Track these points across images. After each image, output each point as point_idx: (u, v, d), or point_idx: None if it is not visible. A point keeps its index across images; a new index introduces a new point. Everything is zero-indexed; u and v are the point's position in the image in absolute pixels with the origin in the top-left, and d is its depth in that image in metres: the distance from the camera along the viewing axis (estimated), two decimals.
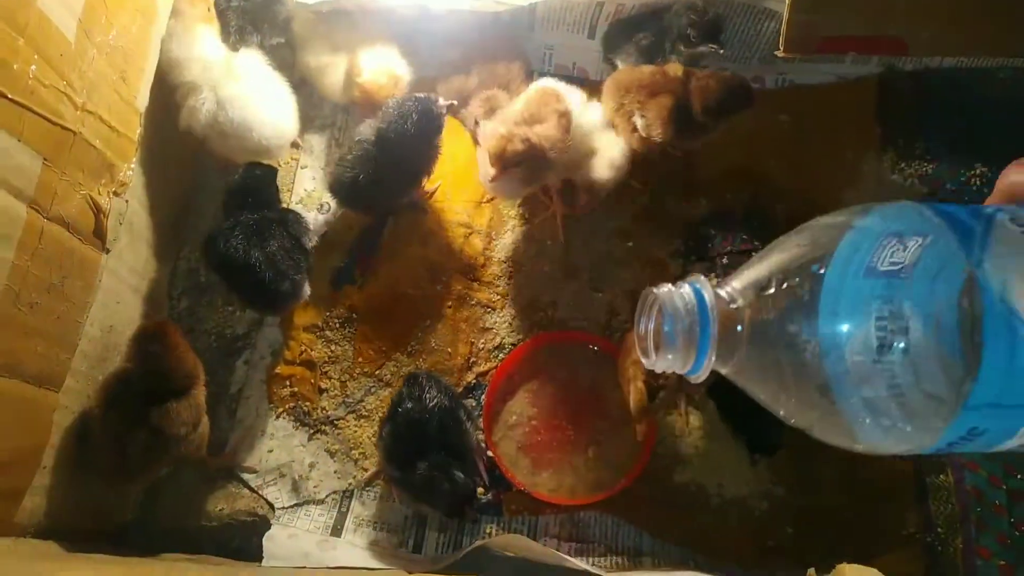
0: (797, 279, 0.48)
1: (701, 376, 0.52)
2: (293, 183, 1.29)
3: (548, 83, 1.14)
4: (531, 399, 1.13)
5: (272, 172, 1.15)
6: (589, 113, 1.15)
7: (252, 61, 1.16)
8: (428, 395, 0.98)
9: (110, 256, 1.04)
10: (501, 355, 1.16)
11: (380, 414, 1.11)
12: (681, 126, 1.06)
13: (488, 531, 1.07)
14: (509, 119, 1.07)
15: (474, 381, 1.15)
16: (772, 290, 0.49)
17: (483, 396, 1.12)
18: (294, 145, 1.29)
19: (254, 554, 1.05)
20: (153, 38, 1.06)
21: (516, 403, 1.13)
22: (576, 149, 1.11)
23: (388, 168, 1.11)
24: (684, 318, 0.50)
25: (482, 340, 1.17)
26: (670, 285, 0.52)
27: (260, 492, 1.10)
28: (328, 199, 1.24)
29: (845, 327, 0.46)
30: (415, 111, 1.08)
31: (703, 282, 0.51)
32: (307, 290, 1.11)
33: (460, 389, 1.14)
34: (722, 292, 0.51)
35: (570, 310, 1.18)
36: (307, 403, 1.15)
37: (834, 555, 1.01)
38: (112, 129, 0.99)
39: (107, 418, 0.96)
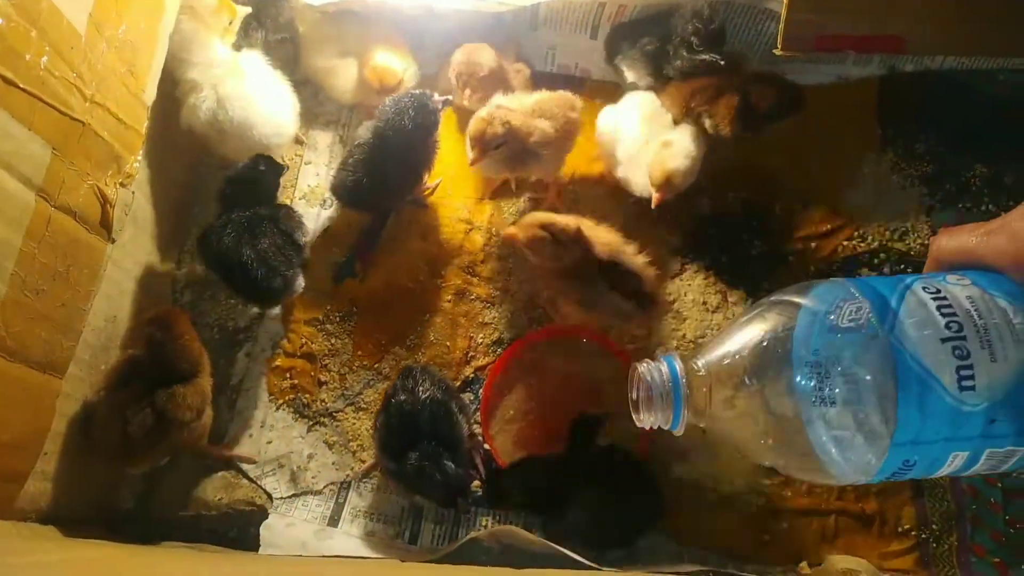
0: (747, 350, 0.62)
1: (679, 430, 0.66)
2: (297, 179, 1.31)
3: (612, 119, 1.19)
4: (528, 393, 1.14)
5: (277, 169, 1.17)
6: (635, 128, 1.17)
7: (254, 60, 1.18)
8: (421, 387, 1.00)
9: (115, 247, 1.05)
10: (499, 350, 1.17)
11: (378, 407, 1.12)
12: (746, 123, 1.09)
13: (483, 523, 1.07)
14: (516, 106, 1.10)
15: (472, 375, 1.16)
16: (728, 361, 0.63)
17: (481, 390, 1.13)
18: (298, 141, 1.31)
19: (251, 543, 1.06)
20: (161, 34, 1.09)
21: (513, 397, 1.14)
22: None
23: (388, 167, 1.13)
24: (661, 387, 0.65)
25: (481, 335, 1.18)
26: (649, 361, 0.66)
27: (259, 482, 1.11)
28: (330, 195, 1.26)
29: (788, 384, 0.59)
30: (411, 107, 1.10)
31: (676, 357, 0.66)
32: (300, 285, 1.13)
33: (458, 383, 1.15)
34: (692, 364, 0.65)
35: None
36: (306, 395, 1.16)
37: (829, 551, 1.02)
38: (120, 121, 1.01)
39: (112, 398, 0.98)
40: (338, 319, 1.20)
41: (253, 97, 1.15)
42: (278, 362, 1.19)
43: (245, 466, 1.12)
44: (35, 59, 0.84)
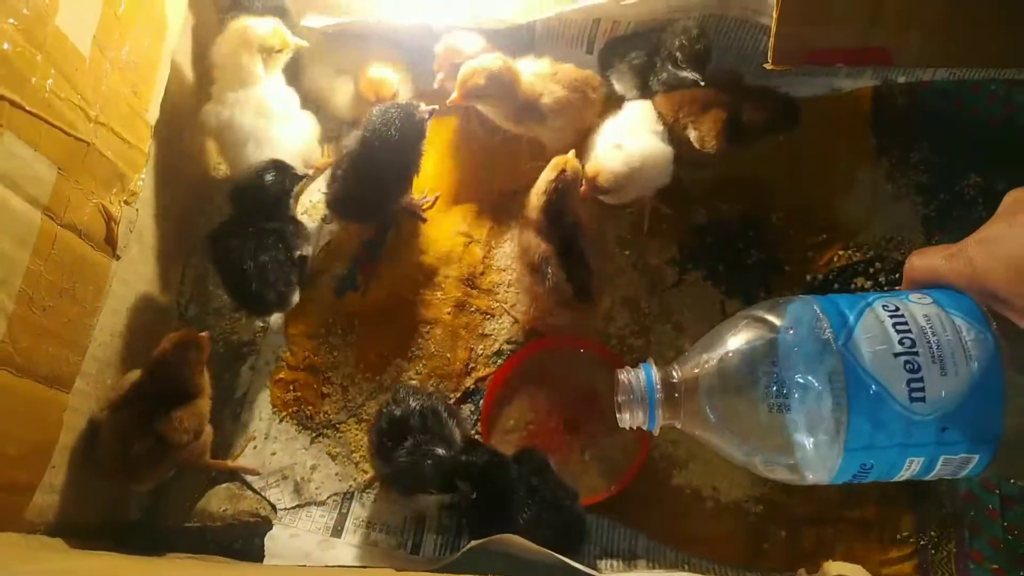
0: (715, 359, 0.70)
1: (655, 429, 0.74)
2: (300, 194, 1.32)
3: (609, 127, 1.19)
4: (528, 404, 1.15)
5: (292, 177, 1.17)
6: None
7: (283, 97, 1.22)
8: (412, 398, 1.01)
9: (120, 263, 1.07)
10: (499, 361, 1.18)
11: None
12: (732, 138, 1.10)
13: None
14: (536, 69, 1.18)
15: (472, 386, 1.17)
16: (698, 369, 0.71)
17: (481, 401, 1.15)
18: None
19: (256, 554, 1.07)
20: (164, 54, 1.11)
21: (513, 408, 1.15)
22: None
23: (375, 176, 1.14)
24: (638, 391, 0.73)
25: (481, 346, 1.20)
26: (630, 369, 0.75)
27: (263, 493, 1.12)
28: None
29: (750, 392, 0.66)
30: (398, 118, 1.12)
31: (652, 365, 0.74)
32: (294, 300, 1.16)
33: (459, 394, 1.16)
34: (669, 370, 0.73)
35: (567, 317, 1.20)
36: (310, 407, 1.18)
37: (827, 558, 1.03)
38: (124, 141, 1.03)
39: (114, 419, 1.00)
40: (340, 332, 1.22)
41: (262, 136, 1.19)
42: (281, 375, 1.20)
43: (249, 478, 1.13)
44: (41, 82, 0.86)
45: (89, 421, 1.02)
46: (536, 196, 1.08)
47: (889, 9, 0.96)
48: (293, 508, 1.12)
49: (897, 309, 0.63)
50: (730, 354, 0.69)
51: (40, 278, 0.90)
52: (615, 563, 1.06)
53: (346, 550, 1.08)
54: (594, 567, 1.02)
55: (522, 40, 1.32)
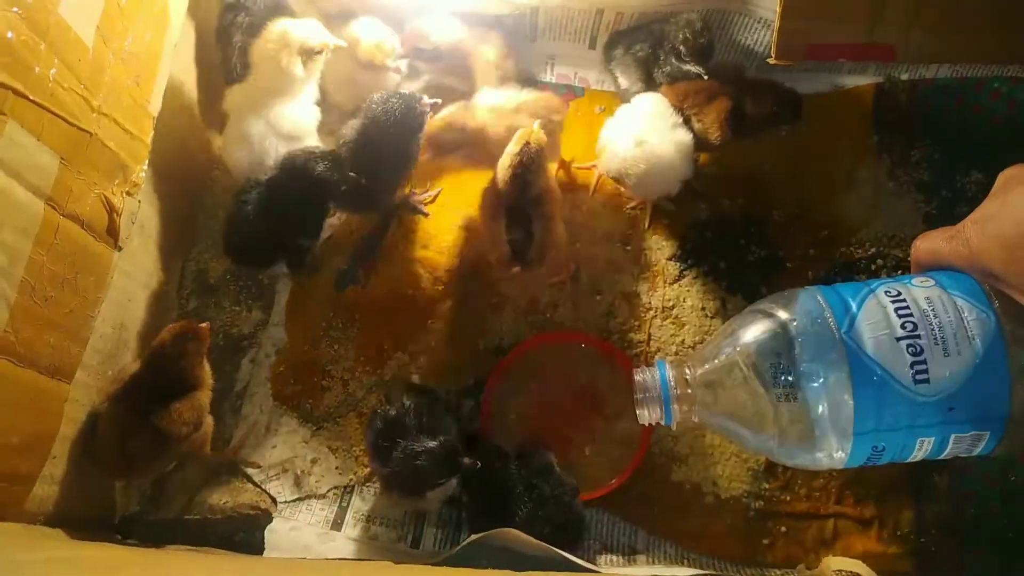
0: (724, 354, 0.74)
1: (673, 424, 0.78)
2: None
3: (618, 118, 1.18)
4: (529, 399, 1.15)
5: (332, 185, 1.14)
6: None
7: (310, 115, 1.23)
8: (406, 397, 1.02)
9: (122, 255, 1.07)
10: (500, 356, 1.18)
11: None
12: (736, 130, 1.11)
13: None
14: (498, 103, 1.14)
15: (473, 381, 1.17)
16: (709, 364, 0.75)
17: (481, 396, 1.15)
18: None
19: (256, 546, 1.07)
20: (166, 45, 1.10)
21: (514, 403, 1.15)
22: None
23: (372, 163, 1.14)
24: (653, 389, 0.77)
25: (482, 341, 1.19)
26: (646, 368, 0.79)
27: (263, 486, 1.12)
28: None
29: (758, 383, 0.69)
30: (399, 108, 1.11)
31: (667, 363, 0.79)
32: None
33: (459, 389, 1.16)
34: (683, 367, 0.77)
35: (569, 312, 1.20)
36: (310, 401, 1.18)
37: (827, 554, 1.03)
38: (126, 131, 1.03)
39: (112, 412, 1.00)
40: (341, 325, 1.22)
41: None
42: (282, 368, 1.20)
43: (250, 470, 1.13)
44: (44, 71, 0.86)
45: (89, 414, 1.02)
46: (502, 170, 1.06)
47: (892, 5, 0.97)
48: (293, 501, 1.12)
49: (899, 294, 0.64)
50: (738, 347, 0.71)
51: (42, 268, 0.90)
52: (615, 558, 1.06)
53: (346, 543, 1.08)
54: (593, 562, 1.02)
55: (524, 34, 1.32)
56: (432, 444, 0.97)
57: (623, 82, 1.24)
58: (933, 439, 0.62)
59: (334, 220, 1.29)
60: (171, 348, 1.00)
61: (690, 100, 1.14)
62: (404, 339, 1.20)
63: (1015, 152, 1.19)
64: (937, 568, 1.01)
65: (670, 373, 0.77)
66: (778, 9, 0.97)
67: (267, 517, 1.10)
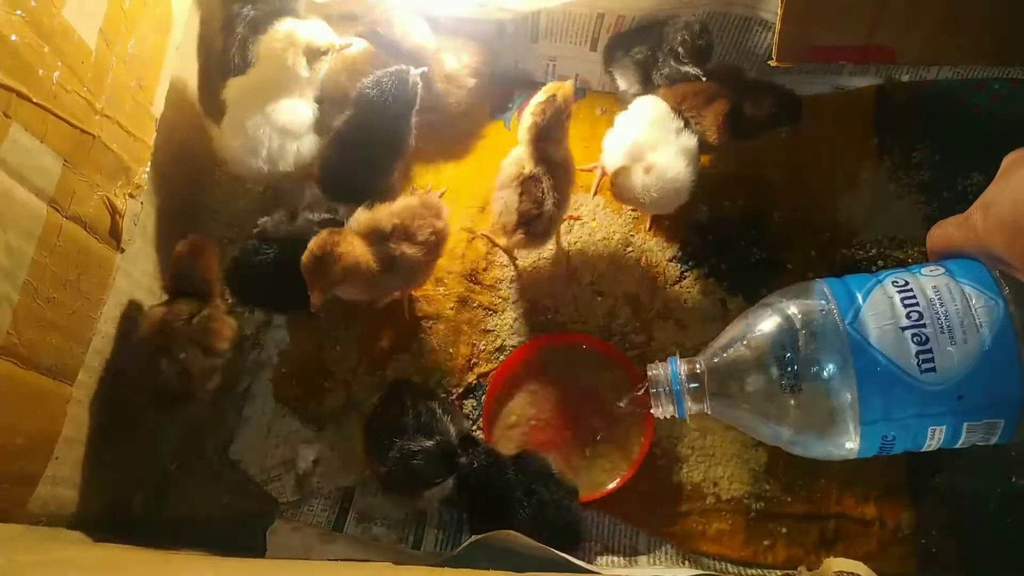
0: (733, 348, 0.76)
1: (686, 417, 0.83)
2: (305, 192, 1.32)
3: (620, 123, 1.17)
4: (530, 400, 1.15)
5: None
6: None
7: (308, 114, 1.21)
8: (405, 397, 1.02)
9: (124, 257, 1.07)
10: (502, 357, 1.18)
11: None
12: (735, 132, 1.11)
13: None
14: (376, 219, 1.06)
15: (475, 382, 1.17)
16: (718, 359, 0.78)
17: (483, 396, 1.15)
18: None
19: (258, 548, 1.07)
20: (169, 48, 1.11)
21: (516, 404, 1.15)
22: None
23: (364, 144, 1.13)
24: (665, 384, 0.81)
25: (483, 342, 1.20)
26: (658, 363, 0.84)
27: (265, 487, 1.13)
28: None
29: (766, 375, 0.71)
30: (392, 85, 1.11)
31: (678, 359, 0.82)
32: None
33: (461, 389, 1.17)
34: (695, 362, 0.80)
35: (571, 313, 1.20)
36: (312, 402, 1.18)
37: (828, 555, 1.03)
38: (129, 134, 1.03)
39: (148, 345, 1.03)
40: (343, 326, 1.22)
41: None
42: (284, 369, 1.20)
43: (251, 471, 1.14)
44: (47, 74, 0.87)
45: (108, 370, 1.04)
46: (526, 116, 1.05)
47: (893, 7, 0.97)
48: (295, 502, 1.12)
49: (906, 284, 0.65)
50: (746, 341, 0.73)
51: (45, 270, 0.90)
52: (616, 559, 1.06)
53: (347, 544, 1.08)
54: (595, 563, 1.02)
55: (526, 36, 1.32)
56: (428, 443, 0.97)
57: (622, 84, 1.25)
58: (945, 428, 0.62)
59: (339, 218, 1.28)
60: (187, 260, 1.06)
61: (688, 102, 1.14)
62: (406, 340, 1.20)
63: None
64: (938, 569, 1.01)
65: (682, 368, 0.79)
66: (779, 12, 0.98)
67: (269, 518, 1.10)
